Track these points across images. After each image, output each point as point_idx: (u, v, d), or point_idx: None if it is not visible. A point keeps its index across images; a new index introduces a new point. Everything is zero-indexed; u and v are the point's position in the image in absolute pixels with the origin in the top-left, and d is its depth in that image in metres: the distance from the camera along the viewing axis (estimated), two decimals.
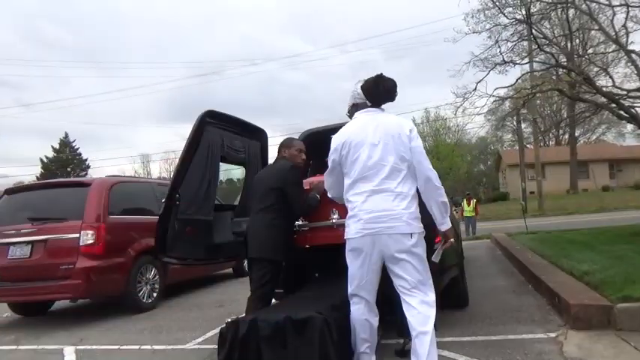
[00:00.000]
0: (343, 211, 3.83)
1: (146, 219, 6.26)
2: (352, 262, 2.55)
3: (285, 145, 3.63)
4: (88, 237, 5.33)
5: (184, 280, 7.18)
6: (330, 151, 2.67)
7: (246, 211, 4.54)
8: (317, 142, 4.93)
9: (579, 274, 4.48)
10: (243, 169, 4.61)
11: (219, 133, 4.14)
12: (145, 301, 5.96)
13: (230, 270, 8.57)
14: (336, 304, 2.87)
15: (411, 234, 2.43)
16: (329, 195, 2.95)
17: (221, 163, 4.23)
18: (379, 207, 2.44)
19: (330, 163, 2.72)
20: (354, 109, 2.77)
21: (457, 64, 8.99)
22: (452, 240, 2.65)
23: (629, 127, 42.50)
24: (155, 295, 6.15)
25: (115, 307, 6.04)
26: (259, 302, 3.33)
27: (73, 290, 5.27)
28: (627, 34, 6.98)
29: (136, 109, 60.52)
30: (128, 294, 5.72)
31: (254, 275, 3.41)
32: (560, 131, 44.45)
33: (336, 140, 2.65)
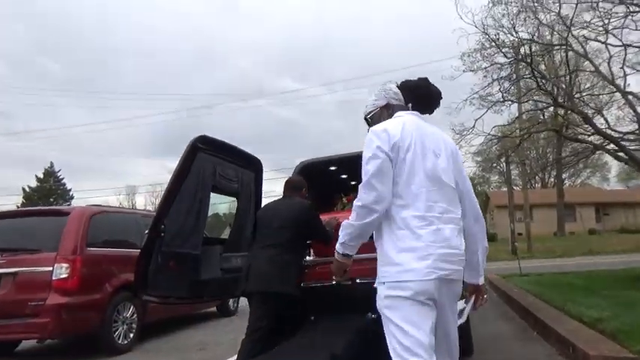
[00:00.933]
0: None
1: (127, 252, 5.86)
2: (413, 314, 1.74)
3: (299, 185, 3.76)
4: (61, 270, 4.91)
5: (164, 319, 6.71)
6: (377, 147, 1.84)
7: (237, 246, 4.22)
8: (313, 174, 4.69)
9: (591, 321, 4.20)
10: (235, 200, 4.31)
11: (211, 161, 3.85)
12: (120, 342, 5.48)
13: (214, 309, 8.10)
14: (337, 354, 2.56)
15: (463, 282, 1.96)
16: (378, 208, 1.81)
17: (212, 194, 3.93)
18: (451, 242, 1.82)
19: (377, 164, 1.81)
20: (385, 111, 2.11)
21: (452, 102, 8.94)
22: (486, 296, 2.13)
23: (613, 171, 43.40)
24: (132, 335, 5.68)
25: (87, 348, 5.55)
26: (254, 346, 3.00)
27: (41, 330, 4.81)
28: (625, 76, 7.02)
29: (124, 141, 60.06)
30: (103, 334, 5.25)
31: (253, 314, 3.16)
32: (547, 174, 45.07)
33: (392, 131, 1.87)
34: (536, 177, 45.20)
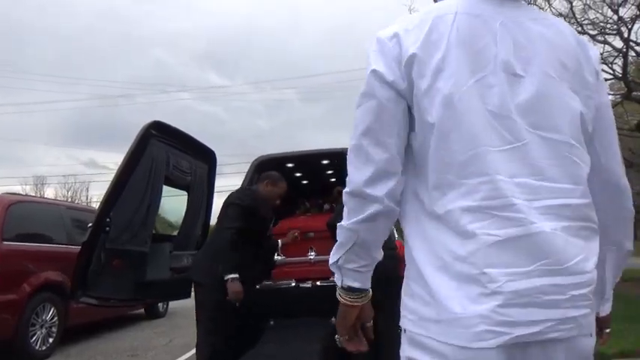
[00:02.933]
0: (321, 249, 3.59)
1: (49, 247, 5.26)
2: None
3: (271, 178, 3.37)
4: None
5: (89, 322, 6.09)
6: (373, 72, 0.94)
7: (188, 243, 3.90)
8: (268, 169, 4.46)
9: None
10: (186, 194, 3.98)
11: (165, 150, 3.51)
12: (38, 348, 4.88)
13: (142, 310, 7.54)
14: None
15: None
16: (377, 193, 0.93)
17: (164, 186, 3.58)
18: (560, 257, 0.84)
19: (372, 108, 0.94)
20: None
21: None
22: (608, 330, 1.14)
23: None
24: (51, 340, 5.09)
25: None
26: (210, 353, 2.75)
27: None
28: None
29: (31, 127, 54.94)
30: (19, 339, 4.63)
31: (204, 312, 2.92)
32: None
33: (407, 36, 0.93)
34: None
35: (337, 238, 0.99)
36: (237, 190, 3.36)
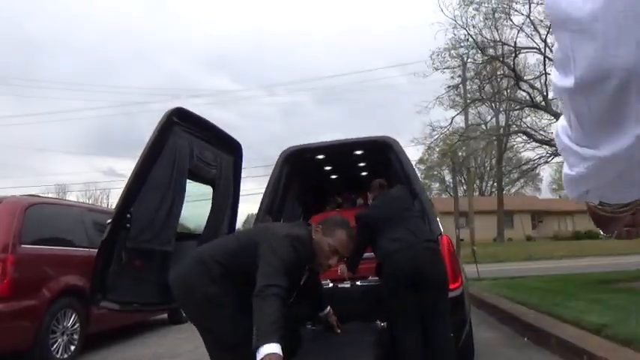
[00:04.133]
0: None
1: (69, 251, 5.04)
2: None
3: (330, 225, 2.46)
4: None
5: (111, 328, 5.86)
6: None
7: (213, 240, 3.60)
8: (301, 164, 4.15)
9: (595, 327, 3.95)
10: (211, 189, 3.68)
11: (188, 140, 3.21)
12: (59, 356, 4.65)
13: (164, 316, 7.29)
14: None
15: None
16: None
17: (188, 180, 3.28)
18: None
19: None
20: None
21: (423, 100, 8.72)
22: None
23: (545, 182, 45.95)
24: (73, 348, 4.85)
25: None
26: None
27: None
28: None
29: (51, 136, 55.69)
30: (39, 347, 4.40)
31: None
32: (484, 183, 46.91)
33: None
34: (474, 186, 46.96)
35: None
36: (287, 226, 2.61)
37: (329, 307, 2.92)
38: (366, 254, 3.21)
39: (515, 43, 7.26)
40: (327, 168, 4.57)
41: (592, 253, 22.96)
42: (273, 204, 3.76)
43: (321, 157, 4.16)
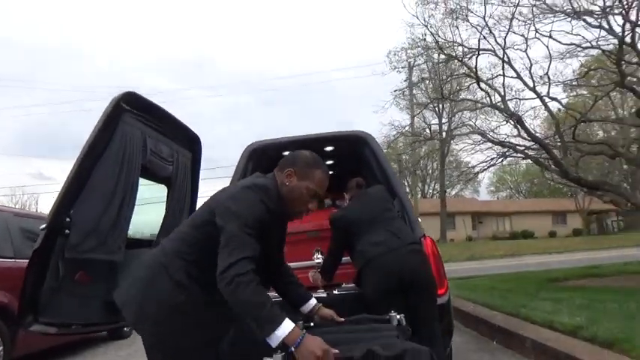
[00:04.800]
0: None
1: None
2: None
3: (303, 167, 1.90)
4: None
5: (43, 349, 5.17)
6: None
7: None
8: (264, 161, 3.77)
9: (569, 329, 3.86)
10: (165, 188, 3.22)
11: (141, 130, 2.75)
12: None
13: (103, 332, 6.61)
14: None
15: None
16: None
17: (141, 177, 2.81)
18: None
19: None
20: None
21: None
22: None
23: (484, 184, 47.99)
24: None
25: None
26: None
27: None
28: (549, 83, 7.16)
29: None
30: None
31: None
32: (426, 185, 48.26)
33: None
34: (417, 188, 48.19)
35: None
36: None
37: (313, 298, 2.13)
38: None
39: (479, 43, 7.28)
40: None
41: (528, 251, 24.16)
42: None
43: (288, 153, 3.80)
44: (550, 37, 6.64)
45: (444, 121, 29.60)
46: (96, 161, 2.49)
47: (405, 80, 17.04)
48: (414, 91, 21.50)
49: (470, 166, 14.07)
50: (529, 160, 8.29)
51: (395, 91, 17.65)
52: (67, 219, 2.36)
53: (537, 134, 9.46)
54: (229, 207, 1.66)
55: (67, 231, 2.36)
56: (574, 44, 6.70)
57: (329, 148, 3.82)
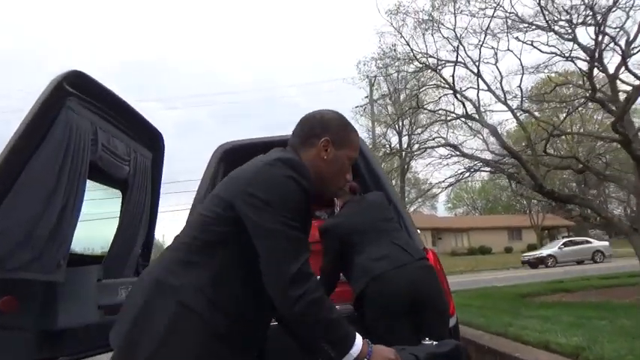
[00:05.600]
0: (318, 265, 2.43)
1: None
2: None
3: (340, 132, 1.42)
4: None
5: None
6: None
7: (124, 267, 2.61)
8: (238, 163, 3.31)
9: (570, 350, 3.55)
10: (119, 194, 2.69)
11: (90, 120, 2.24)
12: None
13: None
14: None
15: None
16: None
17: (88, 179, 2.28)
18: None
19: None
20: None
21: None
22: None
23: (441, 200, 48.87)
24: None
25: None
26: None
27: None
28: (522, 96, 7.10)
29: None
30: None
31: None
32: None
33: None
34: None
35: None
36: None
37: None
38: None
39: (456, 54, 7.15)
40: None
41: (487, 267, 24.48)
42: None
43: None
44: (532, 44, 6.55)
45: (404, 138, 29.92)
46: (30, 154, 1.97)
47: (366, 97, 16.96)
48: (377, 107, 21.55)
49: (428, 183, 14.06)
50: (490, 175, 8.17)
51: (355, 107, 17.48)
52: None
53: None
54: (255, 194, 1.18)
55: None
56: (554, 53, 6.64)
57: None
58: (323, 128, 1.37)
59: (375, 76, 13.82)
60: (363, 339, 1.20)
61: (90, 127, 2.24)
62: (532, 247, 35.66)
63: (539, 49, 6.52)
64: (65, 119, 2.09)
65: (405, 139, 29.63)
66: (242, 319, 1.19)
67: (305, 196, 1.22)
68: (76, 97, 2.14)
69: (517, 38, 6.58)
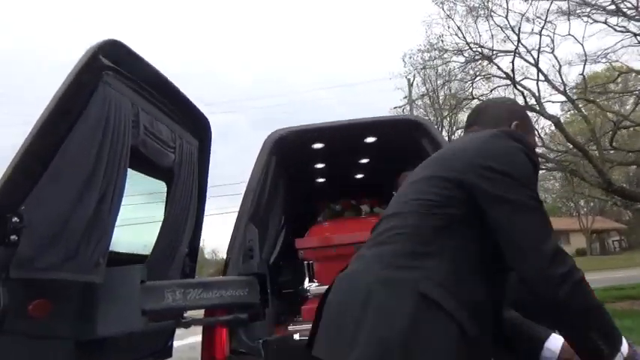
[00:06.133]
0: None
1: None
2: None
3: (525, 117, 1.41)
4: None
5: None
6: None
7: (169, 267, 2.33)
8: (295, 151, 3.01)
9: None
10: (164, 185, 2.42)
11: (131, 100, 1.96)
12: None
13: None
14: None
15: None
16: None
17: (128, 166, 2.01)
18: None
19: None
20: None
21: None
22: None
23: None
24: None
25: None
26: None
27: None
28: (585, 86, 6.51)
29: None
30: None
31: None
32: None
33: None
34: None
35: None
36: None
37: None
38: None
39: (517, 42, 6.68)
40: (327, 161, 3.40)
41: None
42: (258, 210, 2.56)
43: (320, 145, 3.01)
44: (605, 22, 5.97)
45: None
46: (62, 138, 1.69)
47: (405, 97, 16.51)
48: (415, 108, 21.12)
49: None
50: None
51: (394, 107, 17.01)
52: (15, 219, 1.54)
53: (559, 144, 8.82)
54: (493, 167, 1.05)
55: (13, 237, 1.53)
56: (630, 32, 6.03)
57: (370, 140, 3.04)
58: (513, 112, 1.34)
59: (414, 77, 13.36)
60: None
61: (131, 107, 1.96)
62: (581, 252, 33.95)
63: (613, 28, 5.92)
64: (103, 96, 1.81)
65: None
66: (482, 315, 1.05)
67: (536, 170, 1.13)
68: (114, 73, 1.86)
69: (588, 15, 5.99)
